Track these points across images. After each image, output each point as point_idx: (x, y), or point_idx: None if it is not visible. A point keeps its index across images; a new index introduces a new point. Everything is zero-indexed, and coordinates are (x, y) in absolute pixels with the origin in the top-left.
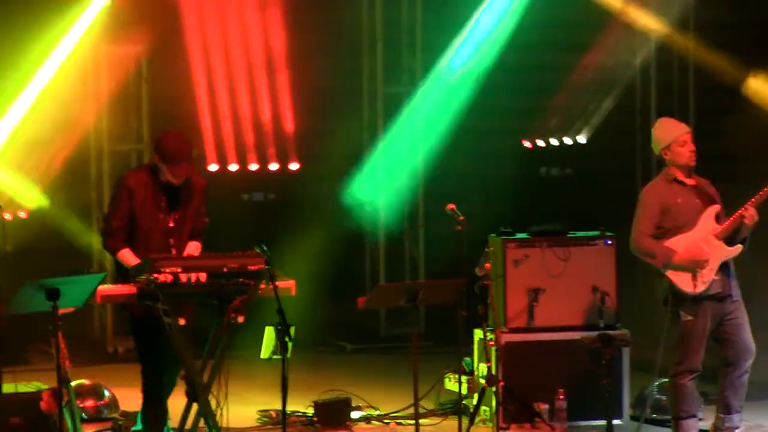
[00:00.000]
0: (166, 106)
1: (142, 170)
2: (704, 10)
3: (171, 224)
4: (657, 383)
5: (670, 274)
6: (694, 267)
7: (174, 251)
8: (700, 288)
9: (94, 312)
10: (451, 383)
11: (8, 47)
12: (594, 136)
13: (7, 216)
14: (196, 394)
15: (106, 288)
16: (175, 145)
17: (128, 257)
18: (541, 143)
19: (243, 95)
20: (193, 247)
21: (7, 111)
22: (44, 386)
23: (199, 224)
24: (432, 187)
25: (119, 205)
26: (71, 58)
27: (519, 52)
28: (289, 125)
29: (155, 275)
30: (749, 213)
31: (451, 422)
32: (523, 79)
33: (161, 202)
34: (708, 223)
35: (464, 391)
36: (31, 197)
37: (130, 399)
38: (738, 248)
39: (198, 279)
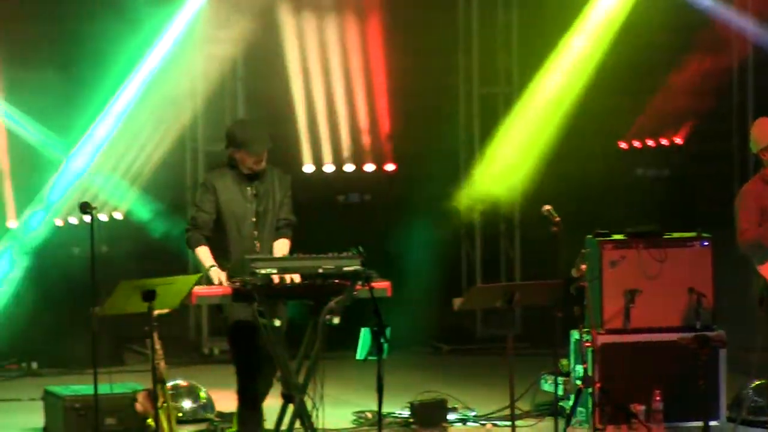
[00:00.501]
0: (261, 107)
1: (223, 168)
2: None
3: (253, 218)
4: (754, 385)
5: (766, 273)
6: None
7: (258, 244)
8: None
9: (190, 313)
10: (547, 384)
11: (105, 47)
12: (691, 137)
13: (103, 217)
14: (292, 395)
15: (201, 289)
16: (244, 128)
17: (204, 255)
18: (637, 144)
19: (339, 96)
20: (282, 245)
21: (104, 113)
22: (140, 387)
23: (284, 219)
24: (528, 189)
25: (203, 201)
26: (167, 59)
27: (616, 53)
28: (385, 126)
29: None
30: None
31: (548, 424)
32: (619, 79)
33: (244, 195)
34: None
35: (560, 392)
36: (126, 199)
37: (226, 400)
38: None
39: (293, 280)
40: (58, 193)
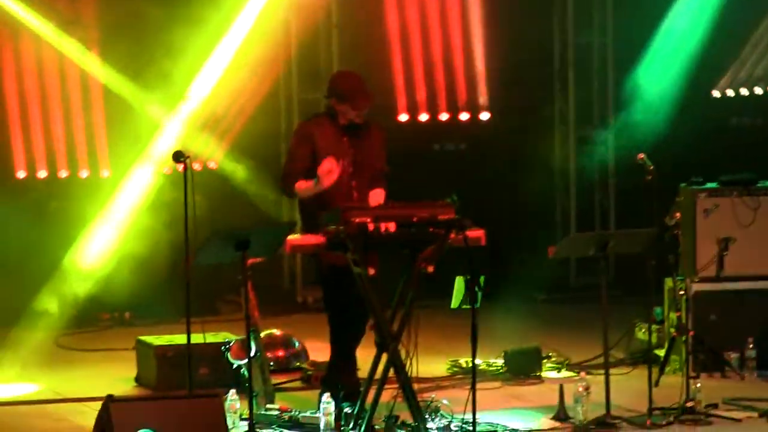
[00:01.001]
0: (356, 54)
1: (320, 116)
2: None
3: (350, 168)
4: None
5: None
6: None
7: (356, 194)
8: None
9: (284, 262)
10: (641, 333)
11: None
12: None
13: (196, 166)
14: (386, 344)
15: (295, 238)
16: (348, 81)
17: (304, 184)
18: (730, 93)
19: (436, 44)
20: (377, 194)
21: (204, 64)
22: (233, 337)
23: (379, 170)
24: (621, 137)
25: (298, 149)
26: (262, 8)
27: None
28: (480, 75)
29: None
30: None
31: (641, 371)
32: (712, 29)
33: (342, 145)
34: None
35: (654, 340)
36: (219, 149)
37: (320, 349)
38: None
39: (387, 228)
40: (160, 146)
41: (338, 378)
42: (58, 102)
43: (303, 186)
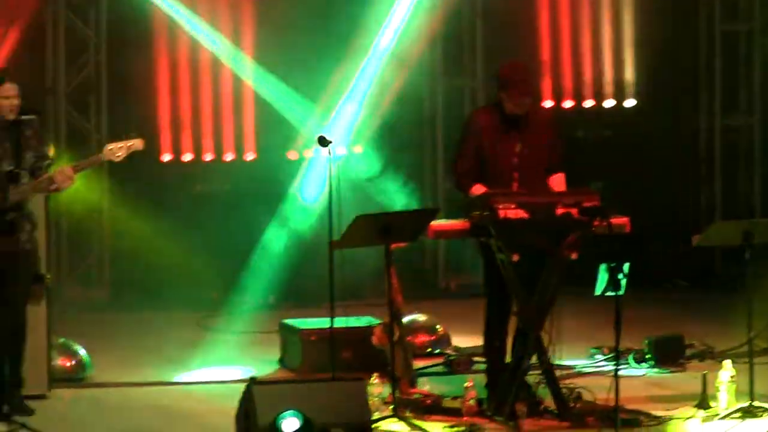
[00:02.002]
0: (500, 42)
1: (488, 107)
2: None
3: (515, 159)
4: None
5: None
6: None
7: (515, 185)
8: None
9: (427, 247)
10: None
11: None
12: None
13: (341, 150)
14: (530, 330)
15: (438, 223)
16: (515, 72)
17: (479, 189)
18: None
19: (585, 31)
20: (558, 180)
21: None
22: (376, 321)
23: (554, 159)
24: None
25: (467, 143)
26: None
27: None
28: (627, 62)
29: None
30: None
31: None
32: None
33: (508, 137)
34: None
35: None
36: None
37: (462, 334)
38: None
39: (531, 215)
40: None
41: (489, 360)
42: (209, 91)
43: (478, 192)
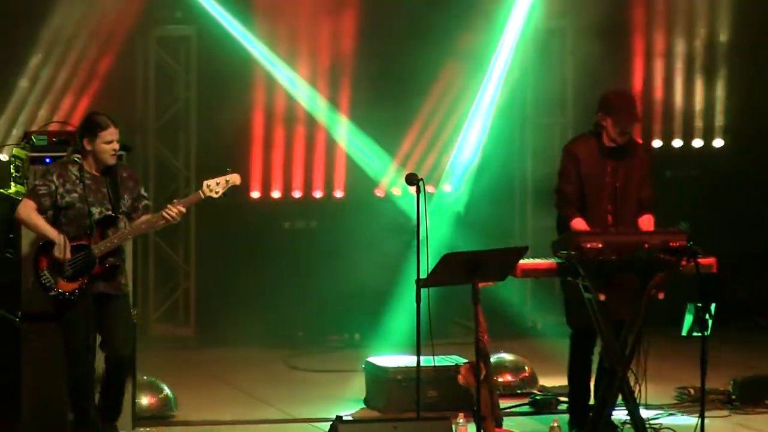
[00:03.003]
0: (591, 82)
1: (583, 137)
2: None
3: (610, 190)
4: None
5: None
6: None
7: (609, 218)
8: None
9: (514, 286)
10: None
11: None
12: None
13: (430, 189)
14: (616, 369)
15: (526, 262)
16: (618, 97)
17: (580, 227)
18: None
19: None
20: (647, 222)
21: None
22: (463, 360)
23: (645, 194)
24: None
25: (568, 171)
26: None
27: None
28: (715, 101)
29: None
30: None
31: None
32: None
33: (604, 168)
34: None
35: None
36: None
37: (549, 374)
38: None
39: (618, 255)
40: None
41: (572, 398)
42: (300, 130)
43: (577, 227)
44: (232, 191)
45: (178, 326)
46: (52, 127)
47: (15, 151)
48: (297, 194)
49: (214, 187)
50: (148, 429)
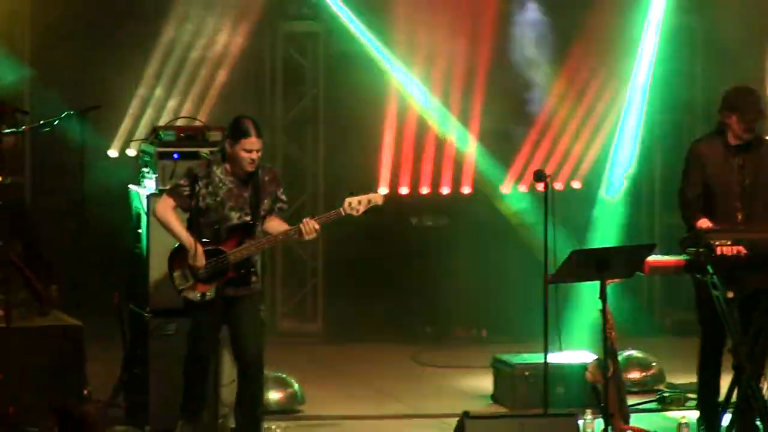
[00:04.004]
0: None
1: (708, 137)
2: None
3: (738, 189)
4: None
5: None
6: None
7: (739, 216)
8: None
9: (643, 282)
10: None
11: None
12: None
13: (558, 185)
14: (743, 367)
15: (655, 259)
16: (742, 93)
17: (705, 225)
18: None
19: None
20: None
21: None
22: (591, 357)
23: None
24: None
25: (691, 174)
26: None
27: None
28: None
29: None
30: None
31: None
32: None
33: (730, 166)
34: None
35: None
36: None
37: (677, 371)
38: None
39: (747, 252)
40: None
41: (701, 398)
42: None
43: (702, 225)
44: (358, 188)
45: (306, 322)
46: (180, 122)
47: (143, 146)
48: (425, 190)
49: (356, 205)
50: (276, 423)
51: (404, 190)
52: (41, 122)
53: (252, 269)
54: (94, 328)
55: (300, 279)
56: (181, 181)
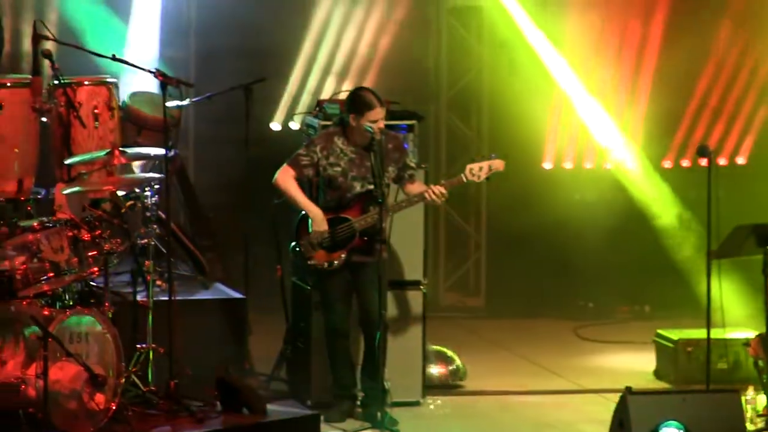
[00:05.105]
0: None
1: None
2: None
3: None
4: None
5: None
6: None
7: None
8: None
9: None
10: None
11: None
12: None
13: (722, 161)
14: None
15: None
16: None
17: None
18: None
19: None
20: None
21: None
22: (754, 332)
23: None
24: None
25: None
26: None
27: None
28: None
29: None
30: None
31: None
32: None
33: None
34: None
35: None
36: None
37: None
38: None
39: None
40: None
41: None
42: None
43: None
44: (525, 162)
45: (468, 296)
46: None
47: (308, 119)
48: (588, 165)
49: (477, 171)
50: (437, 398)
51: (568, 165)
52: (207, 95)
53: (377, 237)
54: (256, 300)
55: (463, 253)
56: (301, 151)
